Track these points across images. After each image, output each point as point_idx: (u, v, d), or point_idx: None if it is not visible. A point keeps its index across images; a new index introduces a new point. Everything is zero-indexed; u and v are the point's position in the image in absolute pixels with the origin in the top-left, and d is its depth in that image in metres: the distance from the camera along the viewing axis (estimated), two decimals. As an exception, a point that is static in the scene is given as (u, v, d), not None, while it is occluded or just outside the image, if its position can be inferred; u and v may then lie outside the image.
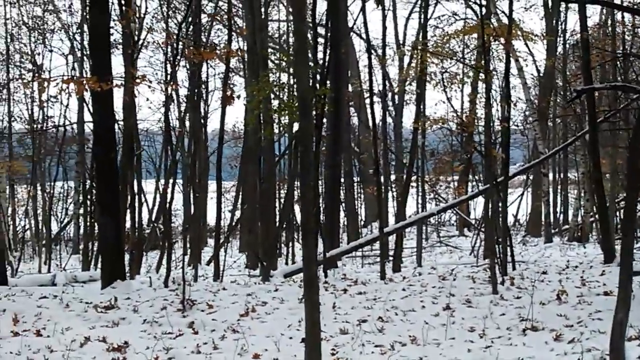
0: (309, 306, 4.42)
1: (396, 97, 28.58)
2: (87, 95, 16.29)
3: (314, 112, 11.09)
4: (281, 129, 18.50)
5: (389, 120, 27.80)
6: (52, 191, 28.91)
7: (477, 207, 24.29)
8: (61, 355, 6.32)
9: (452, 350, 6.43)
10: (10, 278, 12.45)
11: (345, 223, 25.29)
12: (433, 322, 7.55)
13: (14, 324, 7.83)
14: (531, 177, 26.18)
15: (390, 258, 15.43)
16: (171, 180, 15.34)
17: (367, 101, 26.65)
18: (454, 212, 25.99)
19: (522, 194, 28.18)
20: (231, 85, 24.57)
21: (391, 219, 23.15)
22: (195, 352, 6.48)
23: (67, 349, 6.52)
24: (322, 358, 4.43)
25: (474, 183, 25.72)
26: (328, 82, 13.98)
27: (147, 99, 33.61)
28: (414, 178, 21.61)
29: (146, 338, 7.16)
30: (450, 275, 11.58)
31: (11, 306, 8.81)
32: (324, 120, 14.36)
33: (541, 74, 25.05)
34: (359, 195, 31.70)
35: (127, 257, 13.80)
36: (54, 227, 30.68)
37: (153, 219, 27.95)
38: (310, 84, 9.55)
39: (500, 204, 11.86)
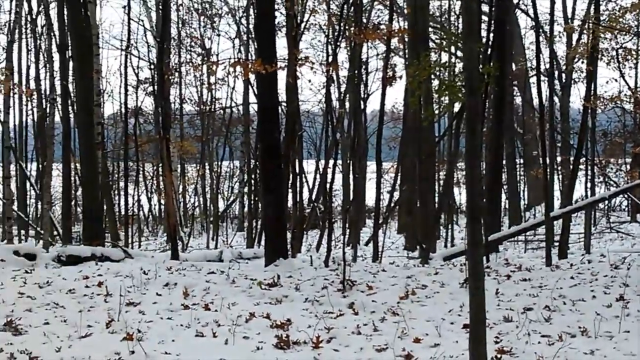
0: (474, 293, 4.26)
1: (563, 75, 27.24)
2: (252, 78, 16.78)
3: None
4: (441, 109, 18.17)
5: (556, 99, 26.55)
6: (219, 170, 30.25)
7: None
8: (227, 329, 6.53)
9: (627, 345, 6.00)
10: (181, 253, 13.11)
11: (507, 206, 24.55)
12: (605, 314, 7.09)
13: (184, 297, 8.23)
14: None
15: (556, 244, 14.76)
16: (331, 161, 15.53)
17: (533, 80, 25.67)
18: (626, 196, 24.46)
19: None
20: (392, 66, 24.46)
21: (555, 203, 22.17)
22: (356, 333, 6.49)
23: (233, 324, 6.74)
24: (486, 346, 4.25)
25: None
26: (492, 60, 13.54)
27: (309, 81, 34.13)
28: (582, 160, 20.53)
29: (308, 316, 7.26)
30: (623, 264, 10.87)
31: (182, 280, 9.26)
32: (487, 100, 13.93)
33: None
34: (522, 177, 30.65)
35: (289, 235, 14.12)
36: (221, 205, 32.11)
37: (313, 198, 28.49)
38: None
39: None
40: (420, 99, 14.90)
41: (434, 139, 17.92)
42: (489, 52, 13.78)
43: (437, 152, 21.62)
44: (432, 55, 17.01)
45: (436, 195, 19.81)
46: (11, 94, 18.68)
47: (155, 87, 22.81)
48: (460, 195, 33.24)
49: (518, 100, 29.41)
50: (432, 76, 13.44)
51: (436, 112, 15.49)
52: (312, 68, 11.35)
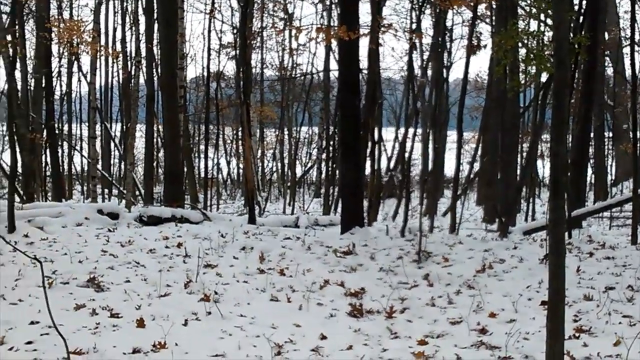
0: (554, 269, 4.12)
1: (659, 45, 25.99)
2: (334, 44, 16.68)
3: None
4: (528, 79, 17.66)
5: (650, 71, 25.42)
6: (297, 136, 30.36)
7: None
8: (302, 295, 6.58)
9: None
10: (257, 217, 13.26)
11: (593, 181, 23.80)
12: (695, 297, 6.79)
13: (260, 261, 8.34)
14: None
15: (643, 222, 14.23)
16: (411, 130, 15.33)
17: (626, 50, 24.59)
18: None
19: None
20: (477, 34, 23.88)
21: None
22: (430, 305, 6.42)
23: (307, 290, 6.78)
24: (564, 324, 4.13)
25: None
26: (583, 29, 13.01)
27: (392, 48, 33.69)
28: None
29: (382, 286, 7.24)
30: None
31: (258, 244, 9.38)
32: (577, 71, 13.43)
33: None
34: (610, 152, 29.62)
35: (365, 203, 14.07)
36: (298, 171, 32.31)
37: (391, 167, 28.33)
38: (564, 31, 8.88)
39: None
40: (506, 69, 14.48)
41: (519, 110, 17.43)
42: (580, 21, 13.23)
43: (521, 124, 21.07)
44: (520, 23, 16.44)
45: (518, 167, 19.36)
46: (98, 56, 19.10)
47: (237, 51, 22.98)
48: (544, 169, 32.44)
49: (609, 71, 28.29)
50: (520, 45, 12.98)
51: (522, 82, 14.99)
52: (395, 35, 11.15)
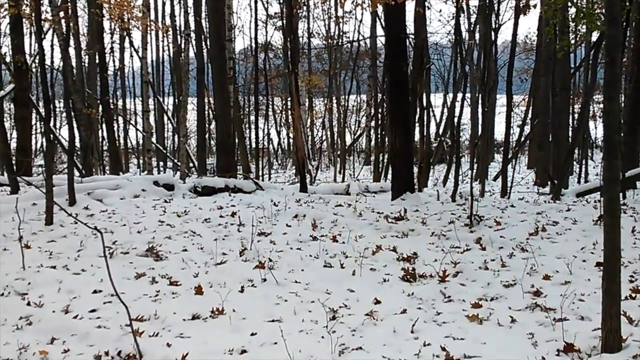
0: (608, 230, 4.11)
1: None
2: (380, 10, 16.56)
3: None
4: (578, 39, 17.30)
5: None
6: (346, 104, 30.33)
7: None
8: (354, 261, 6.67)
9: None
10: (309, 185, 13.36)
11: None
12: None
13: (313, 229, 8.45)
14: None
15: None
16: (459, 94, 15.20)
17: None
18: None
19: None
20: (525, -6, 23.37)
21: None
22: (483, 268, 6.44)
23: (360, 256, 6.86)
24: (620, 285, 4.13)
25: None
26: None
27: (440, 11, 33.18)
28: None
29: (434, 250, 7.28)
30: None
31: (310, 212, 9.48)
32: (628, 28, 13.10)
33: None
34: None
35: (415, 169, 14.05)
36: (348, 139, 32.34)
37: (440, 132, 28.15)
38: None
39: None
40: (556, 28, 14.23)
41: (569, 71, 17.12)
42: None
43: (571, 85, 20.67)
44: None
45: (570, 129, 19.05)
46: (148, 31, 19.34)
47: (284, 21, 22.98)
48: (596, 130, 31.81)
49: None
50: (569, 4, 12.73)
51: (572, 42, 14.71)
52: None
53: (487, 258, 6.81)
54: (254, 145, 25.89)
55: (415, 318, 4.92)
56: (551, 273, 6.13)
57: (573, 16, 13.09)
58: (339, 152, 28.92)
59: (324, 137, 35.62)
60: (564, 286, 5.69)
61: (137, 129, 28.43)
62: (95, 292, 5.61)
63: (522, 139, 24.60)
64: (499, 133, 27.29)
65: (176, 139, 26.73)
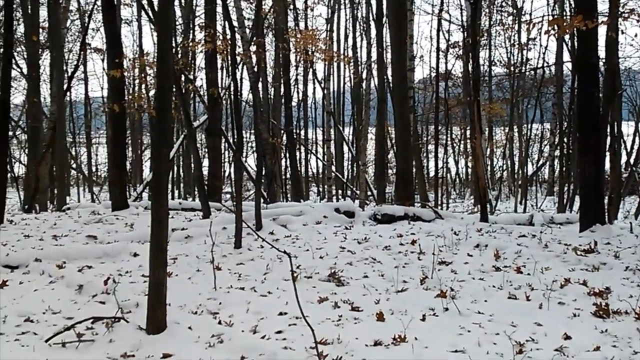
0: None
1: None
2: (567, 36, 15.96)
3: None
4: None
5: None
6: (528, 133, 29.45)
7: None
8: (541, 294, 6.39)
9: None
10: (489, 215, 13.05)
11: None
12: None
13: (495, 259, 8.22)
14: None
15: None
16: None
17: None
18: None
19: None
20: None
21: None
22: None
23: (547, 289, 6.57)
24: None
25: None
26: None
27: (635, 35, 31.37)
28: None
29: (629, 286, 6.82)
30: None
31: (492, 242, 9.24)
32: None
33: None
34: None
35: (605, 200, 13.31)
36: (529, 168, 31.33)
37: (631, 162, 26.48)
38: None
39: None
40: None
41: None
42: None
43: None
44: None
45: None
46: (332, 62, 19.93)
47: (464, 49, 22.81)
48: None
49: None
50: None
51: None
52: (638, 20, 10.41)
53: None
54: (432, 174, 25.76)
55: (611, 356, 4.62)
56: None
57: None
58: (519, 182, 28.06)
59: (504, 167, 34.76)
60: None
61: (317, 158, 29.23)
62: (281, 314, 5.77)
63: None
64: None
65: (355, 168, 27.17)
